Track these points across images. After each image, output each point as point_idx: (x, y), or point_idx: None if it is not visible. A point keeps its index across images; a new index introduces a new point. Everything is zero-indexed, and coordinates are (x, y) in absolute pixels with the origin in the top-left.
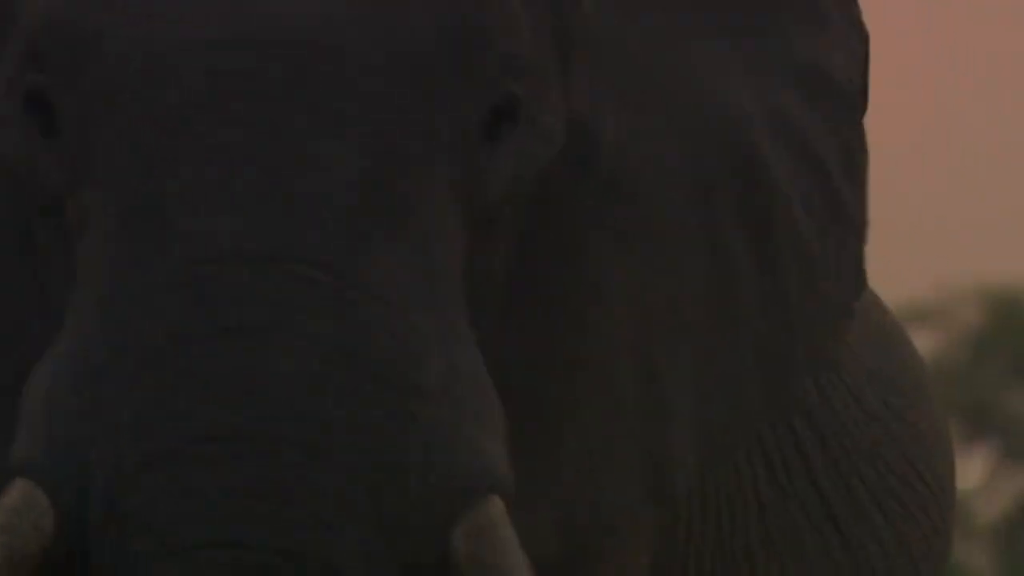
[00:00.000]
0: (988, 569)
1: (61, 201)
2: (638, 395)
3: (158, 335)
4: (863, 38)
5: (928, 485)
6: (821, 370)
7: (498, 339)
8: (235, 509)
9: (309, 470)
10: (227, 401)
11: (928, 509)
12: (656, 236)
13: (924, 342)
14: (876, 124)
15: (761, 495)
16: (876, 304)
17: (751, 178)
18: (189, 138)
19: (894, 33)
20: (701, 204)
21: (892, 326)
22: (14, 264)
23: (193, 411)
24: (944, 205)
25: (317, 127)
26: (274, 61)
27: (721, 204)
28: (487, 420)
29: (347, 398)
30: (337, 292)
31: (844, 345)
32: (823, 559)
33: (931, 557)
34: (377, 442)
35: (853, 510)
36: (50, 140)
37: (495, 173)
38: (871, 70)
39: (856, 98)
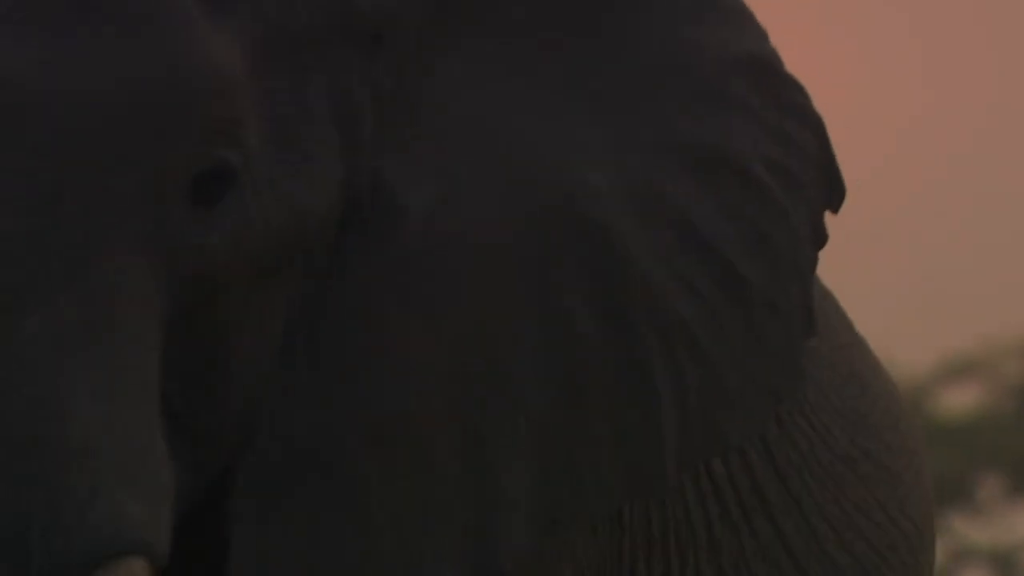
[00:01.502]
0: None
1: None
2: (458, 465)
3: None
4: (806, 124)
5: (899, 526)
6: (781, 408)
7: (290, 407)
8: None
9: None
10: None
11: (899, 549)
12: (471, 307)
13: (969, 395)
14: (922, 180)
15: (714, 534)
16: (855, 344)
17: (597, 248)
18: None
19: (944, 82)
20: (533, 273)
21: (870, 366)
22: None
23: None
24: (988, 259)
25: None
26: None
27: (560, 272)
28: (141, 482)
29: None
30: None
31: (810, 383)
32: None
33: None
34: None
35: (815, 550)
36: None
37: (208, 236)
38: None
39: (777, 180)
